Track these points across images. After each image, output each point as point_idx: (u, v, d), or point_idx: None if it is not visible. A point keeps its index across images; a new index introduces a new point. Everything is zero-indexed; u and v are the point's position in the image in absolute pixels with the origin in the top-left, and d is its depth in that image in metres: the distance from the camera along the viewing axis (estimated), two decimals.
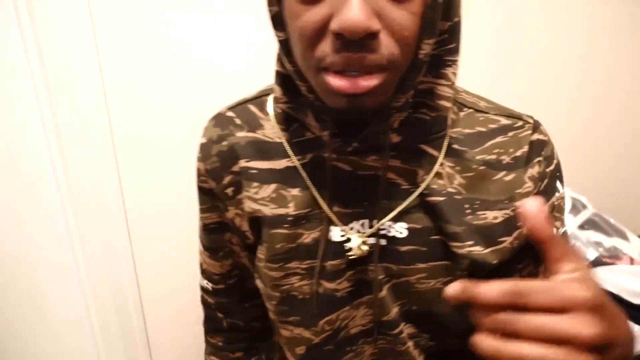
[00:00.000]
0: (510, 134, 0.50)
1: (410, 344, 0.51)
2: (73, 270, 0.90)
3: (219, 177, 0.52)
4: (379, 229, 0.48)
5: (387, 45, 0.36)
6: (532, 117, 0.51)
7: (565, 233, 0.53)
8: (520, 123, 0.50)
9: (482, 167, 0.48)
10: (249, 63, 0.89)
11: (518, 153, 0.49)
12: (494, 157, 0.49)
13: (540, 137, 0.50)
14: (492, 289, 0.30)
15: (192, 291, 0.98)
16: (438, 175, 0.47)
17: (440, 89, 0.45)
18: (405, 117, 0.45)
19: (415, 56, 0.39)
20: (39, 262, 0.89)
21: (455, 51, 0.44)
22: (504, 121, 0.50)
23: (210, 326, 0.66)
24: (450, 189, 0.47)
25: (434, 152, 0.47)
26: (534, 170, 0.49)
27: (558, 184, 0.51)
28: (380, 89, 0.38)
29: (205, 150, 0.53)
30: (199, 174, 0.55)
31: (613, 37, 1.33)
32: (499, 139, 0.49)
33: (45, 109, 0.79)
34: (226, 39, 0.90)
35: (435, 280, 0.48)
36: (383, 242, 0.48)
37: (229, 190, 0.52)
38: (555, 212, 0.51)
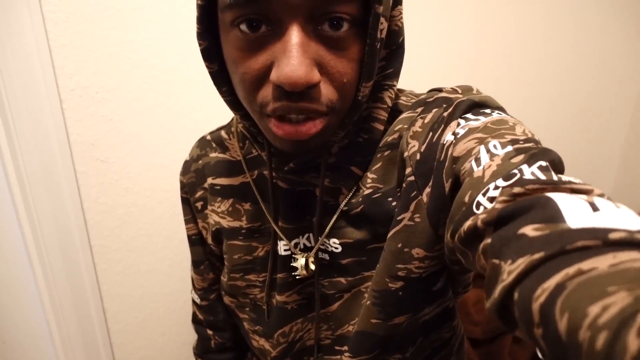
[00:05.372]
0: (419, 109, 0.44)
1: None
2: (32, 283, 0.87)
3: (194, 191, 0.58)
4: (320, 246, 0.49)
5: (326, 94, 0.37)
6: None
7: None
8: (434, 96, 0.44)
9: (387, 152, 0.45)
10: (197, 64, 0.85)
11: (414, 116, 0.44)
12: (396, 135, 0.44)
13: (441, 95, 0.43)
14: None
15: (157, 302, 0.95)
16: (357, 188, 0.47)
17: (376, 111, 0.44)
18: (344, 143, 0.45)
19: (354, 98, 0.39)
20: None
21: (393, 75, 0.43)
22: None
23: (200, 348, 0.68)
24: (367, 192, 0.45)
25: (359, 172, 0.46)
26: (416, 126, 0.42)
27: (471, 115, 0.39)
28: (322, 132, 0.39)
29: (186, 166, 0.59)
30: (181, 187, 0.60)
31: (614, 38, 1.30)
32: (404, 115, 0.45)
33: None
34: (186, 42, 0.86)
35: (382, 289, 0.45)
36: (326, 256, 0.49)
37: (199, 204, 0.58)
38: (480, 132, 0.36)
